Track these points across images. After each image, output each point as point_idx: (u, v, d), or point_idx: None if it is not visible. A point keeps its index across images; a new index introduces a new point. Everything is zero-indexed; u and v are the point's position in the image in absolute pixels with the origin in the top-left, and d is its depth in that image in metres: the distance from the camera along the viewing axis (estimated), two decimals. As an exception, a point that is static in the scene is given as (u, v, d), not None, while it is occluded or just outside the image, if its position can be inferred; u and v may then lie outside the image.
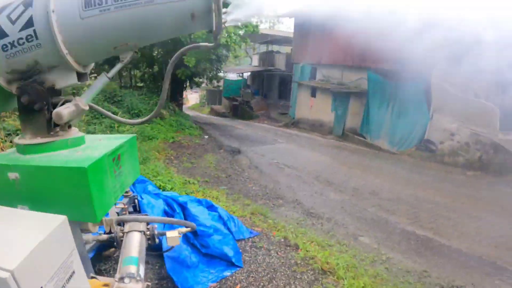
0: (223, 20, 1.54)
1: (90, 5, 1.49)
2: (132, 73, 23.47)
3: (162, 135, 13.11)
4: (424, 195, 9.87)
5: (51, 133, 1.76)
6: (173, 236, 2.44)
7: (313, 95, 20.63)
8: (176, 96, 22.84)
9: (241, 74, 34.57)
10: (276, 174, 10.31)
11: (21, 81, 1.67)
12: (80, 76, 1.74)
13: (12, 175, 1.63)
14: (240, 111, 27.97)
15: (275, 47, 34.59)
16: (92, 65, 1.93)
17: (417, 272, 5.41)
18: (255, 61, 34.69)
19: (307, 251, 5.11)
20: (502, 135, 14.61)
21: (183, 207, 4.35)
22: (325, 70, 21.00)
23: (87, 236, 2.18)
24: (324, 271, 4.64)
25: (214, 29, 1.54)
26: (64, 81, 1.71)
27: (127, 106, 14.88)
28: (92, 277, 1.88)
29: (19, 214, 1.36)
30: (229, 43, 16.47)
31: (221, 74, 27.92)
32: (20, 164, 1.64)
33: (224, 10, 1.53)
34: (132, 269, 1.98)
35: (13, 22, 1.53)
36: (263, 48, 35.91)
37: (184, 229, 2.50)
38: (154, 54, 21.37)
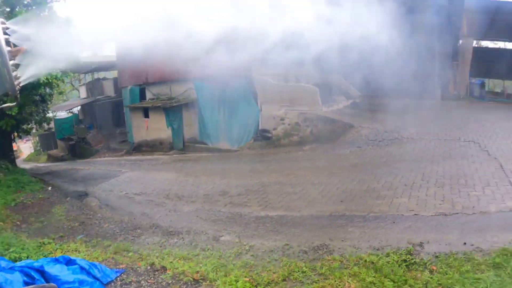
0: (16, 82, 1.60)
1: None
2: None
3: (1, 201, 11.63)
4: (269, 179, 10.82)
5: None
6: (34, 308, 2.38)
7: (146, 115, 20.57)
8: (6, 152, 20.37)
9: (71, 110, 32.20)
10: (128, 205, 10.18)
11: None
12: None
13: None
14: (78, 150, 26.21)
15: (102, 74, 33.13)
16: None
17: (279, 248, 6.00)
18: (83, 92, 32.54)
19: (175, 268, 5.32)
20: (325, 108, 16.59)
21: (41, 271, 4.24)
22: (154, 88, 21.13)
23: None
24: (197, 281, 4.92)
25: (9, 90, 1.58)
26: None
27: None
28: None
29: None
30: (49, 80, 15.25)
31: (50, 115, 25.66)
32: None
33: (15, 73, 1.58)
34: None
35: None
36: (90, 78, 34.02)
37: (43, 293, 2.45)
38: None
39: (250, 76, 16.96)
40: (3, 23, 1.52)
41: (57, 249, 7.06)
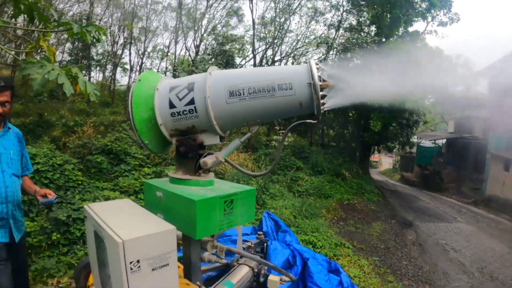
0: (322, 107, 2.18)
1: (233, 95, 2.29)
2: (323, 132, 24.92)
3: (338, 196, 13.59)
4: None
5: (196, 174, 2.57)
6: (274, 280, 2.79)
7: (507, 169, 17.43)
8: (362, 159, 23.27)
9: (435, 141, 31.59)
10: (437, 256, 9.16)
11: (180, 136, 2.55)
12: (221, 138, 2.55)
13: (159, 193, 2.50)
14: (429, 182, 26.02)
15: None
16: (228, 132, 2.72)
17: None
18: (451, 127, 31.67)
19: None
20: None
21: (304, 261, 4.38)
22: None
23: (210, 256, 2.72)
24: None
25: (315, 112, 2.19)
26: (210, 140, 2.53)
27: (311, 162, 16.24)
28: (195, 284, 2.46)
29: (153, 217, 2.15)
30: (414, 107, 16.13)
31: (414, 140, 26.81)
32: (165, 188, 2.48)
33: (322, 101, 2.16)
34: (224, 290, 2.58)
35: (180, 99, 2.42)
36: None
37: (286, 278, 2.89)
38: (350, 115, 22.32)
39: None
40: (317, 64, 2.11)
41: (349, 255, 7.59)
